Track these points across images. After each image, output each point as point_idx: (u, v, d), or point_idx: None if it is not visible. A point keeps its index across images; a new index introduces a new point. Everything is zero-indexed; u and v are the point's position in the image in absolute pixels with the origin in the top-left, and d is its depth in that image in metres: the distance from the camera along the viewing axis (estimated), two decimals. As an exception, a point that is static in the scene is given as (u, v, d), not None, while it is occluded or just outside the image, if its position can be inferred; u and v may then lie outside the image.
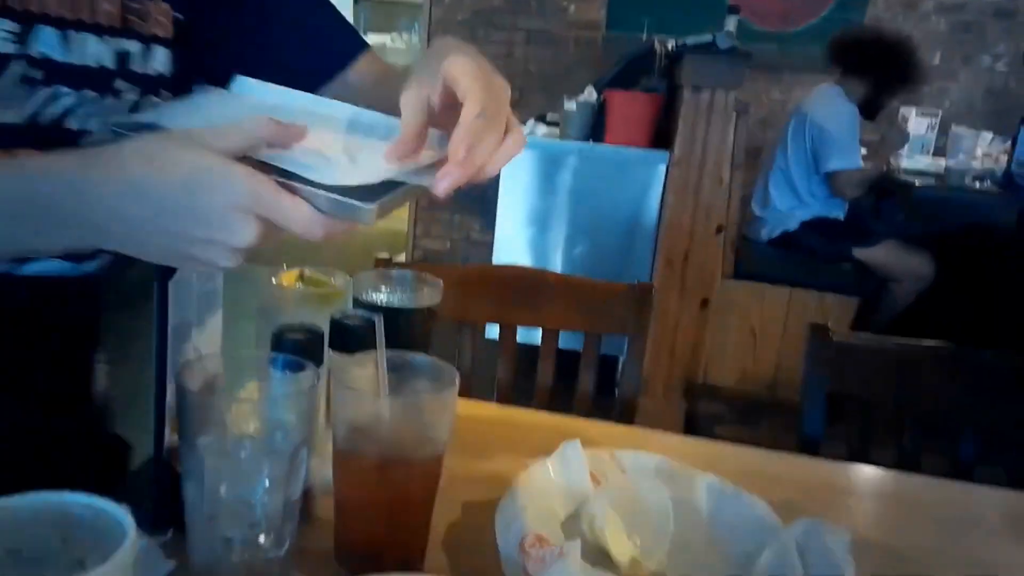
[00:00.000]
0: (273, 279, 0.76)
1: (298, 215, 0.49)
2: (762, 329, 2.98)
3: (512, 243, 3.07)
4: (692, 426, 2.84)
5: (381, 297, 0.77)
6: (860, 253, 2.89)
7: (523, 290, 1.36)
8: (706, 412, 2.92)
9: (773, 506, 0.72)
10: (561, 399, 1.34)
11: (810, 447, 1.13)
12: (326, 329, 0.67)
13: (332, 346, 0.68)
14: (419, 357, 0.66)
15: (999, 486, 1.05)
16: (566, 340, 1.35)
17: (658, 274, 2.79)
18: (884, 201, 3.40)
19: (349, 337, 0.67)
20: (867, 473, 0.97)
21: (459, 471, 0.82)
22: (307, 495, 0.68)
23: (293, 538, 0.60)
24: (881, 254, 2.88)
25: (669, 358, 2.84)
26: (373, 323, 0.64)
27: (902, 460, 1.13)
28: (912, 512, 0.88)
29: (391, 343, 0.64)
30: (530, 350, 1.37)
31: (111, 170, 0.50)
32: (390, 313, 0.70)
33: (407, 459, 0.61)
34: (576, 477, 0.72)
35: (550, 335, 1.34)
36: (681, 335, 2.83)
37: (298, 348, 0.60)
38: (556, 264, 3.03)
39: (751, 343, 2.99)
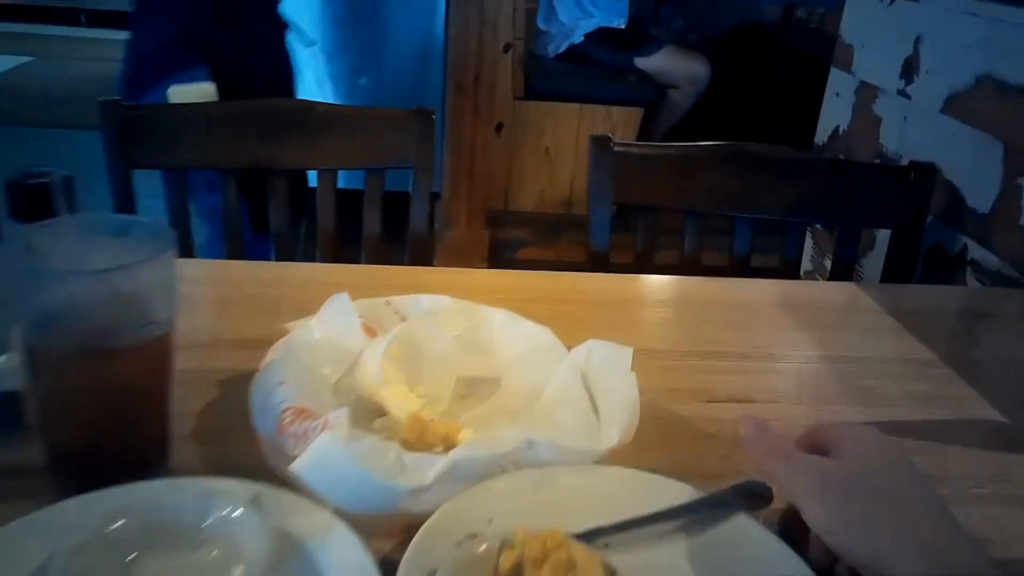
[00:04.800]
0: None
1: None
2: (556, 148, 2.98)
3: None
4: (497, 254, 2.85)
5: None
6: (641, 62, 2.91)
7: (288, 125, 1.20)
8: (509, 238, 2.94)
9: (566, 322, 0.69)
10: (351, 246, 1.24)
11: (598, 258, 1.13)
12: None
13: (12, 214, 0.54)
14: (122, 218, 0.53)
15: (774, 269, 1.12)
16: (352, 179, 1.23)
17: (450, 100, 2.66)
18: (663, 6, 3.41)
19: (32, 202, 0.54)
20: (651, 281, 0.97)
21: (214, 343, 0.72)
22: (16, 399, 0.56)
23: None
24: (659, 61, 2.92)
25: (468, 187, 2.78)
26: (59, 182, 0.50)
27: (684, 260, 1.16)
28: (694, 311, 0.89)
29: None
30: (312, 192, 1.24)
31: None
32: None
33: (120, 347, 0.49)
34: (346, 333, 0.64)
35: (327, 175, 1.21)
36: (478, 162, 2.76)
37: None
38: (344, 99, 2.79)
39: (547, 164, 2.99)
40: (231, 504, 0.47)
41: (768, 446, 0.51)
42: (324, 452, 0.48)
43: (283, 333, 0.64)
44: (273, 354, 0.60)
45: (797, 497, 0.48)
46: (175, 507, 0.47)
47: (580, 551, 0.45)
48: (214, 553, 0.46)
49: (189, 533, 0.46)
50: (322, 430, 0.51)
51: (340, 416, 0.52)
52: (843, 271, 1.16)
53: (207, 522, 0.46)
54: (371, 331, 0.67)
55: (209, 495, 0.48)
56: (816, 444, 0.52)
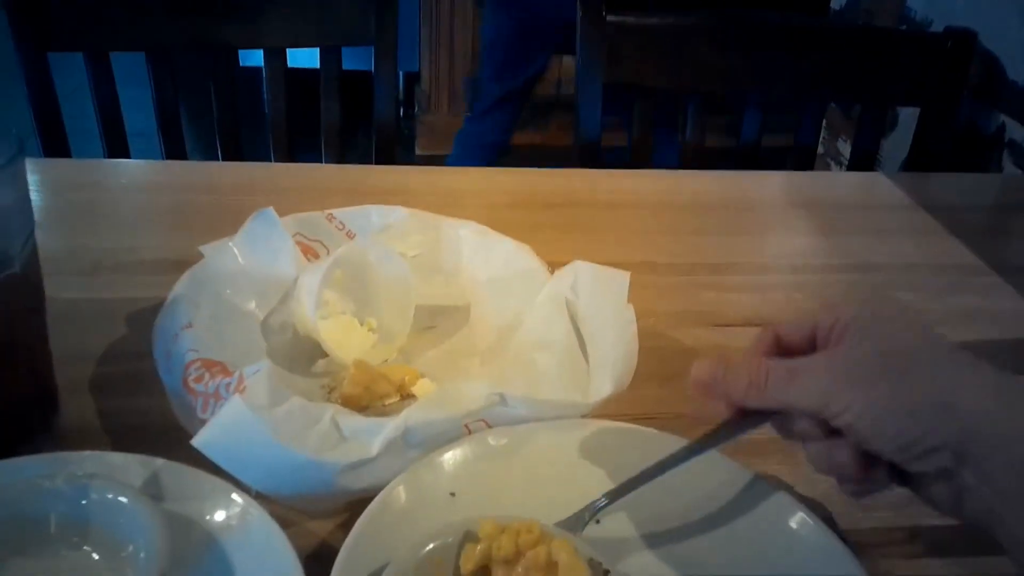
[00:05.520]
0: None
1: None
2: (543, 20, 2.75)
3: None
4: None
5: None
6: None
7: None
8: (495, 120, 2.76)
9: (549, 232, 0.58)
10: (311, 140, 1.10)
11: (588, 149, 1.00)
12: None
13: None
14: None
15: (784, 152, 1.00)
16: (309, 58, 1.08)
17: (424, -32, 2.42)
18: None
19: None
20: (649, 178, 0.85)
21: (128, 265, 0.60)
22: None
23: None
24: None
25: (448, 65, 2.58)
26: None
27: (686, 145, 1.03)
28: (699, 214, 0.77)
29: None
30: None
31: None
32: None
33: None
34: (276, 256, 0.52)
35: (275, 56, 1.05)
36: (459, 36, 2.55)
37: None
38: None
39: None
40: (119, 488, 0.37)
41: (750, 375, 0.37)
42: (233, 423, 0.38)
43: (200, 258, 0.52)
44: (181, 287, 0.48)
45: (835, 394, 0.34)
46: (45, 495, 0.37)
47: (562, 547, 0.36)
48: (95, 555, 0.36)
49: (63, 528, 0.36)
50: (235, 391, 0.40)
51: (258, 372, 0.41)
52: (864, 157, 1.03)
53: (87, 513, 0.36)
54: (310, 252, 0.55)
55: (91, 477, 0.37)
56: (790, 351, 0.39)
